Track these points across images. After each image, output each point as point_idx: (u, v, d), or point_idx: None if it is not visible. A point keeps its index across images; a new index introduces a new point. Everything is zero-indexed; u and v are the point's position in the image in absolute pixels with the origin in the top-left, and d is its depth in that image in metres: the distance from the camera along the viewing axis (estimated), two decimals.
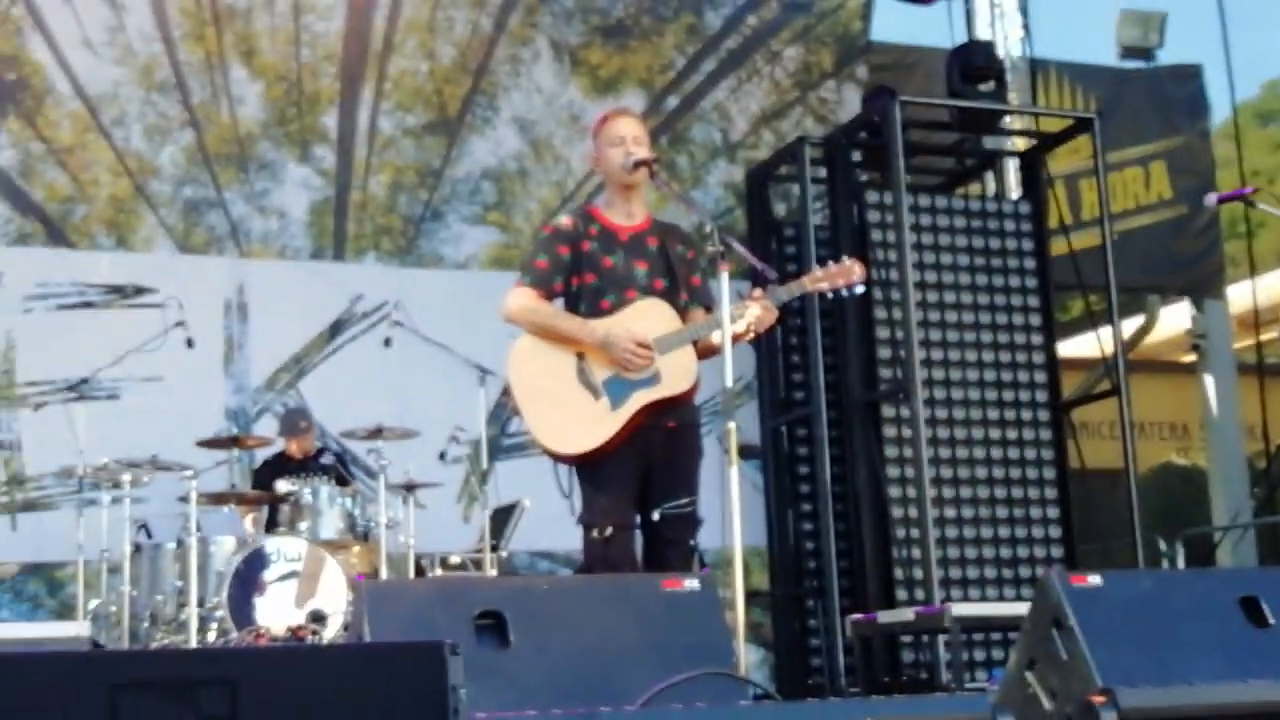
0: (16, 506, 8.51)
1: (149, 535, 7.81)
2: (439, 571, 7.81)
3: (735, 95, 10.48)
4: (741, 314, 4.88)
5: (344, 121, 9.55)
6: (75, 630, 3.30)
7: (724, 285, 4.68)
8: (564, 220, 5.19)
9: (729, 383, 4.64)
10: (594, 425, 4.87)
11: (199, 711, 2.62)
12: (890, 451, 8.76)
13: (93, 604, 7.62)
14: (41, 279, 8.69)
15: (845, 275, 5.14)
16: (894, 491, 8.69)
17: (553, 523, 8.55)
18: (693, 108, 10.36)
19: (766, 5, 10.61)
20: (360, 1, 9.59)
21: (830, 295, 5.26)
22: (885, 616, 6.74)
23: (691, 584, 3.85)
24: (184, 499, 7.40)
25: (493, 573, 7.64)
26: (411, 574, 7.65)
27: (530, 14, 10.03)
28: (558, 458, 5.03)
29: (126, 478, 7.45)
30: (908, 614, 6.63)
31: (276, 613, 7.20)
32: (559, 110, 10.05)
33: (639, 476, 4.95)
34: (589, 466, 4.95)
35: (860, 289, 5.20)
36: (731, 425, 4.58)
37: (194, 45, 9.12)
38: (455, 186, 9.79)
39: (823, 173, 9.37)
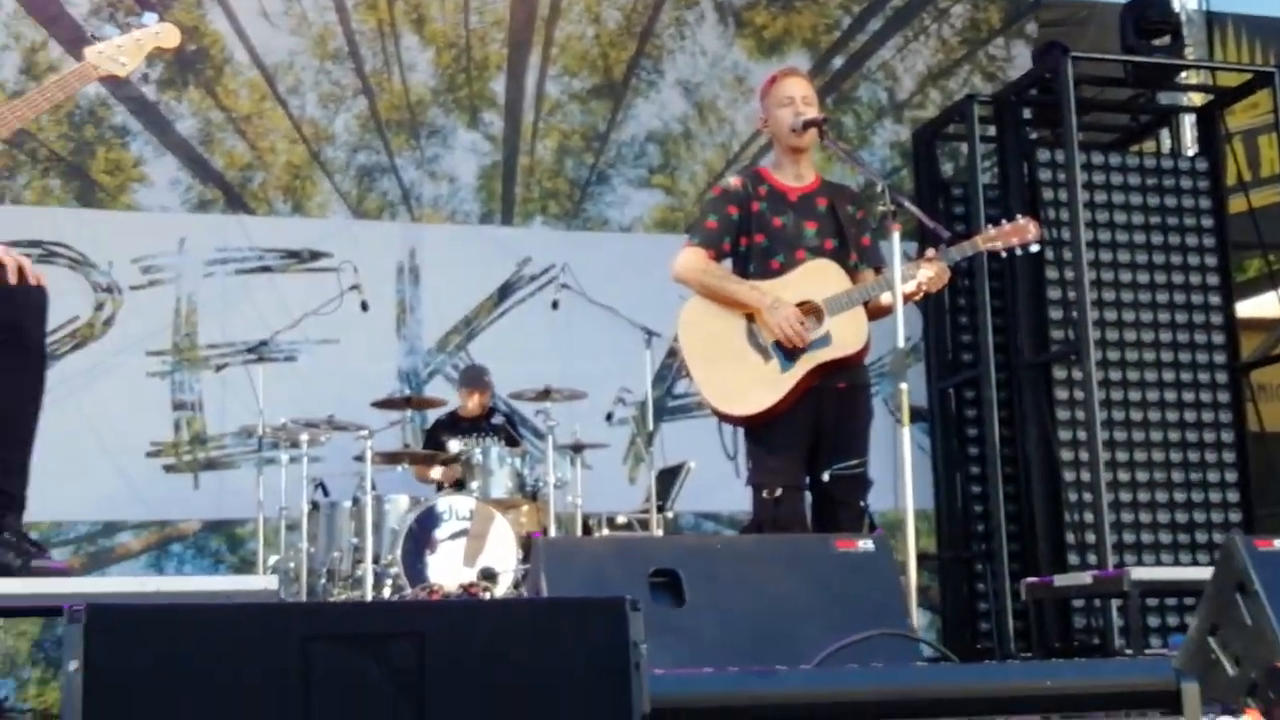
0: (199, 465, 8.79)
1: (326, 493, 8.03)
2: (605, 531, 7.88)
3: (902, 54, 10.35)
4: (913, 274, 4.85)
5: (511, 87, 9.65)
6: (263, 584, 3.41)
7: (895, 245, 4.64)
8: (733, 181, 5.19)
9: (900, 343, 4.60)
10: (765, 387, 4.87)
11: (388, 664, 2.70)
12: (1062, 414, 8.61)
13: (272, 560, 7.86)
14: (221, 244, 8.95)
15: (1020, 234, 5.08)
16: (1065, 454, 8.55)
17: (718, 484, 8.58)
18: (859, 67, 10.25)
19: None
20: None
21: (1003, 254, 5.19)
22: (1061, 580, 6.63)
23: (865, 544, 3.86)
24: (359, 458, 7.60)
25: (659, 533, 7.69)
26: (579, 534, 7.75)
27: None
28: (727, 418, 5.05)
29: (304, 437, 7.68)
30: (1084, 578, 6.51)
31: (448, 570, 7.36)
32: (723, 72, 10.03)
33: (809, 437, 4.95)
34: (759, 428, 4.96)
35: (1035, 248, 5.13)
36: (903, 386, 4.56)
37: (366, 14, 9.29)
38: (621, 150, 9.84)
39: (991, 131, 9.22)
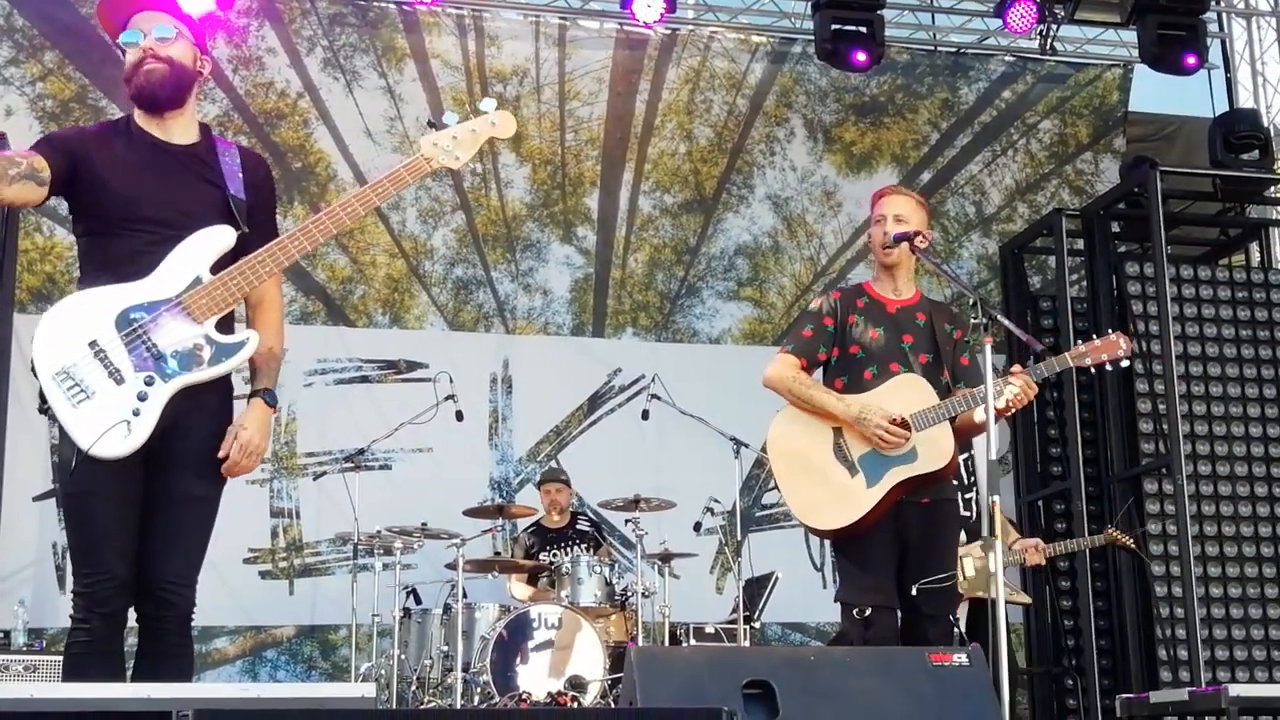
0: (295, 572, 8.95)
1: (418, 601, 8.11)
2: (693, 641, 7.88)
3: (989, 169, 10.47)
4: (1000, 390, 4.87)
5: (605, 202, 9.89)
6: (360, 692, 3.48)
7: (987, 357, 4.69)
8: (832, 293, 5.27)
9: (992, 456, 4.63)
10: (849, 501, 4.89)
11: None
12: (1152, 527, 8.54)
13: (364, 666, 7.92)
14: (321, 355, 9.20)
15: (1110, 349, 5.08)
16: (1156, 568, 8.47)
17: (804, 594, 8.63)
18: (946, 182, 10.38)
19: (1022, 79, 10.58)
20: (622, 88, 9.94)
21: (1094, 370, 5.21)
22: (1157, 696, 6.54)
23: (960, 658, 3.87)
24: (451, 566, 7.68)
25: (746, 643, 7.68)
26: (667, 643, 7.75)
27: (785, 94, 10.23)
28: (814, 532, 5.09)
29: (397, 545, 7.75)
30: (1181, 694, 6.40)
31: (537, 679, 7.37)
32: (812, 187, 10.20)
33: (897, 553, 4.95)
34: (847, 543, 4.97)
35: (1125, 363, 5.13)
36: (995, 499, 4.56)
37: None
38: (710, 263, 10.01)
39: (1080, 244, 9.28)
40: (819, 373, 5.19)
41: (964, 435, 5.06)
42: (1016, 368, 4.98)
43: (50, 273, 8.70)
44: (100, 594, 3.71)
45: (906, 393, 4.98)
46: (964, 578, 7.05)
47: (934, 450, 4.92)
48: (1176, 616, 8.31)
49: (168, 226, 3.82)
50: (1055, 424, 9.24)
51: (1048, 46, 10.47)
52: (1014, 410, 5.02)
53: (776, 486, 5.10)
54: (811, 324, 5.15)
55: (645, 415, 8.48)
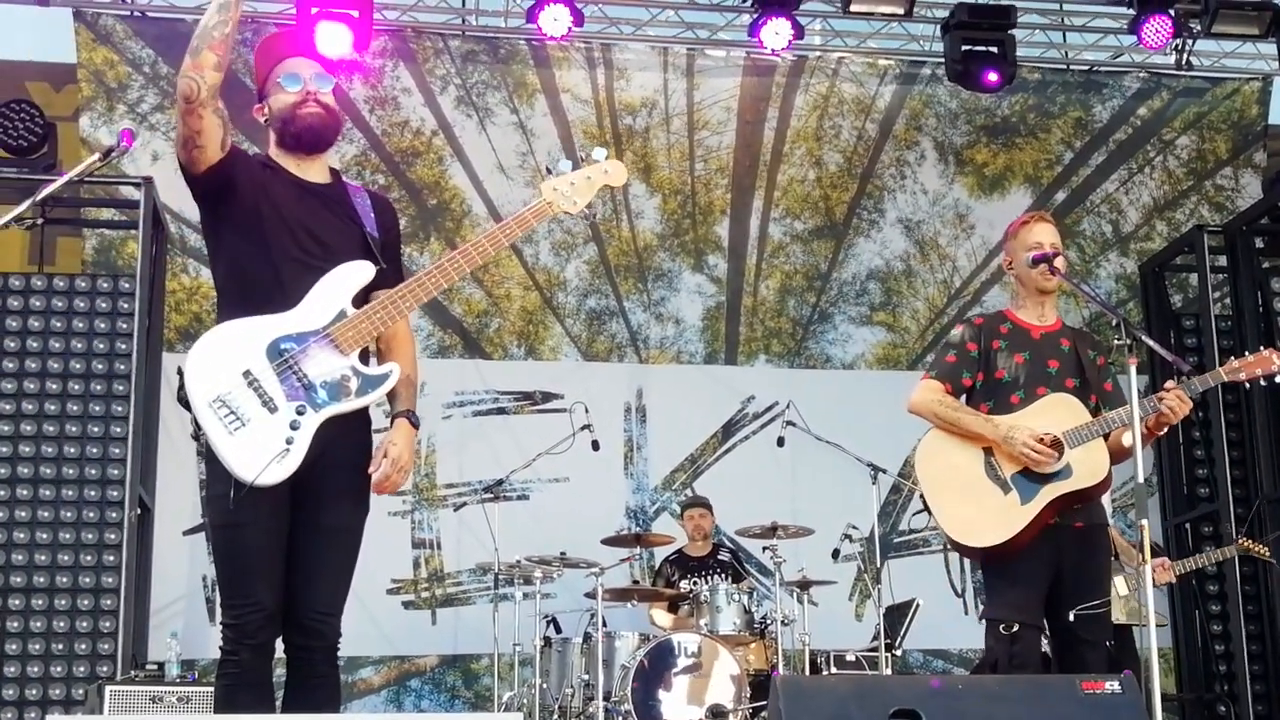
0: (437, 602, 9.08)
1: (558, 629, 8.17)
2: (834, 669, 7.83)
3: (1126, 186, 10.30)
4: (1155, 406, 4.84)
5: (735, 230, 9.91)
6: None
7: (1132, 378, 4.63)
8: (975, 317, 5.26)
9: (1140, 478, 4.56)
10: (1003, 519, 4.86)
11: None
12: None
13: (507, 696, 8.00)
14: (459, 387, 9.34)
15: (1264, 365, 5.01)
16: None
17: (945, 621, 8.52)
18: (1081, 201, 10.24)
19: (1157, 95, 10.40)
20: (751, 115, 9.97)
21: (1247, 385, 5.13)
22: None
23: (1112, 685, 3.81)
24: (590, 594, 7.73)
25: (888, 671, 7.61)
26: (807, 671, 7.72)
27: (915, 118, 10.17)
28: (966, 551, 5.04)
29: (537, 574, 7.84)
30: None
31: (677, 707, 7.38)
32: (944, 210, 10.12)
33: (1049, 577, 4.90)
34: (997, 562, 4.94)
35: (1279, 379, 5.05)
36: (1144, 523, 4.50)
37: None
38: (842, 289, 9.98)
39: (1222, 261, 9.08)
40: (963, 398, 5.16)
41: (1113, 460, 5.00)
42: (1170, 384, 4.93)
43: (197, 312, 8.93)
44: (249, 625, 3.79)
45: (1057, 411, 4.97)
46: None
47: (1089, 467, 4.89)
48: None
49: (312, 259, 3.93)
50: (1201, 444, 9.04)
51: (1184, 61, 10.28)
52: (1165, 428, 4.96)
53: (926, 508, 5.07)
54: (955, 350, 5.14)
55: (780, 442, 8.46)
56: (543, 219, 4.16)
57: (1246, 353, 5.08)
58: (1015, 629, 4.80)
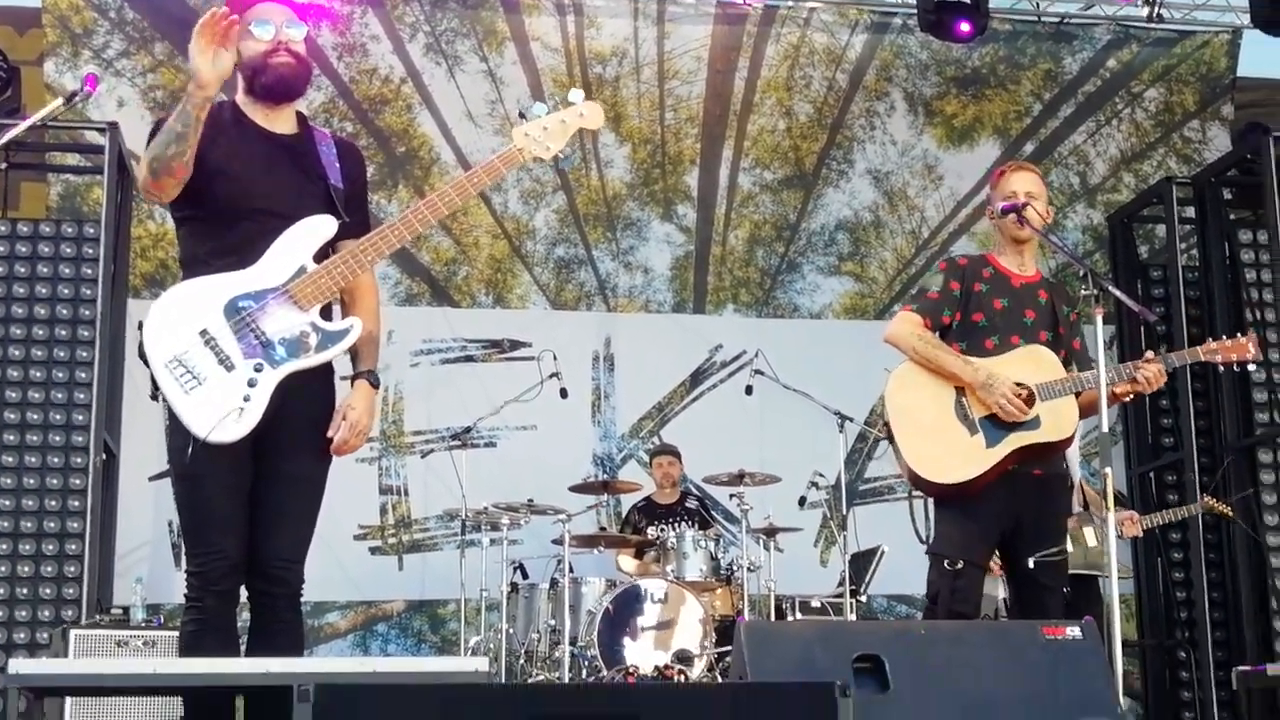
0: (403, 548, 9.11)
1: (525, 575, 8.22)
2: (799, 615, 7.90)
3: (1094, 139, 10.32)
4: (1132, 374, 4.90)
5: (704, 180, 9.89)
6: (474, 665, 3.53)
7: (1098, 328, 4.68)
8: (960, 257, 5.29)
9: (1104, 428, 4.61)
10: (967, 459, 4.91)
11: None
12: (1267, 498, 8.39)
13: (473, 640, 8.05)
14: (427, 335, 9.33)
15: (1240, 350, 5.12)
16: (1272, 540, 8.32)
17: (910, 567, 8.52)
18: (1049, 153, 10.25)
19: (1127, 47, 10.40)
20: (721, 65, 9.93)
21: (1221, 369, 5.20)
22: (1275, 669, 6.45)
23: (1073, 631, 3.85)
24: (557, 541, 7.77)
25: (853, 617, 7.68)
26: (773, 617, 7.78)
27: (885, 69, 10.15)
28: (923, 485, 5.07)
29: (504, 520, 7.88)
30: None
31: (643, 652, 7.43)
32: (913, 161, 10.12)
33: (1003, 523, 4.96)
34: (953, 500, 5.00)
35: (1252, 368, 5.15)
36: (1108, 471, 4.55)
37: None
38: (811, 238, 9.99)
39: (1190, 213, 9.10)
40: (937, 335, 5.20)
41: (1083, 414, 5.04)
42: (1150, 354, 4.99)
43: (163, 259, 8.88)
44: (213, 573, 3.83)
45: (1033, 362, 5.02)
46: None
47: (1057, 421, 4.94)
48: None
49: (273, 216, 3.91)
50: (1166, 394, 9.08)
51: (1154, 14, 10.28)
52: (1135, 393, 5.02)
53: (890, 438, 5.11)
54: (938, 286, 5.17)
55: (749, 390, 8.51)
56: (513, 166, 4.04)
57: (1225, 336, 5.17)
58: (960, 565, 4.87)
